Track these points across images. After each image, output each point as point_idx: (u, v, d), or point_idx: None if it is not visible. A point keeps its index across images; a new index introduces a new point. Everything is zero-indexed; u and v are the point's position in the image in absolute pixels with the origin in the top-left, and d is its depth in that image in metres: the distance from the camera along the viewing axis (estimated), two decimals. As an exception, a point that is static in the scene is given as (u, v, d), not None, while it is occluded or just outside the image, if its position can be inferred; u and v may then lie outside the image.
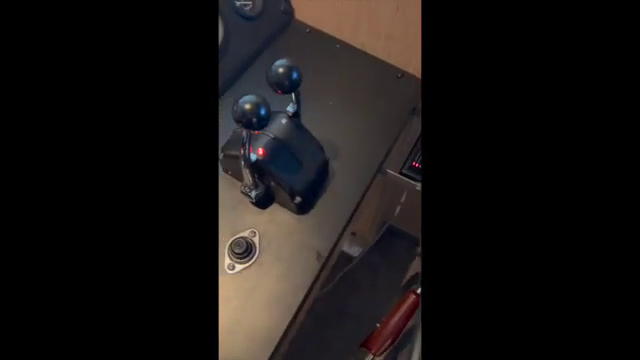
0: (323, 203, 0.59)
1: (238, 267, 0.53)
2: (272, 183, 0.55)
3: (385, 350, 0.69)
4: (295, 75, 0.48)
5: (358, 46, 0.74)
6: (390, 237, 1.07)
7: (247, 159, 0.50)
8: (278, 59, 0.49)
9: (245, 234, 0.55)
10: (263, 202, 0.57)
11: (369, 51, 0.74)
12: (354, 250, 1.15)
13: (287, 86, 0.49)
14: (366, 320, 1.01)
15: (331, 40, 0.75)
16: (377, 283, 1.19)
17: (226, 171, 0.59)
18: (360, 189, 0.60)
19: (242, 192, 0.56)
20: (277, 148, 0.53)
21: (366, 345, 0.69)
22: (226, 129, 0.57)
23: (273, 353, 0.49)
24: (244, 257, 0.53)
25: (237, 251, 0.52)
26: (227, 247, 0.53)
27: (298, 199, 0.55)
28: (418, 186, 0.72)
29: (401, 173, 0.73)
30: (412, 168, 0.73)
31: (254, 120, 0.44)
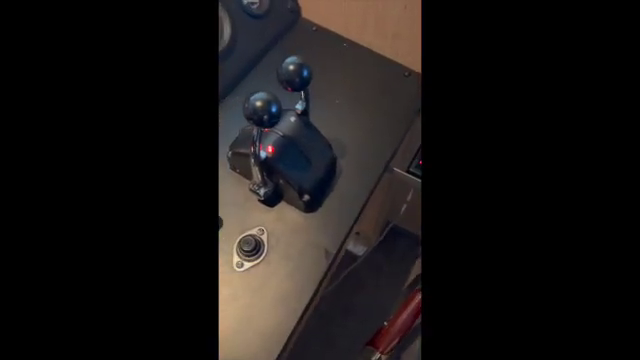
0: (331, 201, 0.58)
1: (246, 265, 0.53)
2: (281, 181, 0.55)
3: (392, 349, 0.69)
4: (306, 73, 0.48)
5: (365, 45, 0.74)
6: (394, 237, 1.07)
7: (257, 157, 0.50)
8: (286, 57, 0.49)
9: (253, 232, 0.55)
10: (271, 200, 0.57)
11: (376, 50, 0.74)
12: (358, 249, 1.15)
13: (297, 83, 0.49)
14: (370, 318, 1.01)
15: (338, 39, 0.75)
16: (381, 282, 1.19)
17: (234, 169, 0.59)
18: (367, 187, 0.60)
19: (250, 190, 0.56)
20: (286, 146, 0.53)
21: (373, 344, 0.69)
22: (234, 127, 0.57)
23: (282, 351, 0.49)
24: (252, 255, 0.53)
25: (246, 249, 0.52)
26: (236, 245, 0.53)
27: (306, 197, 0.55)
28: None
29: (408, 171, 0.73)
30: (419, 166, 0.73)
31: (265, 117, 0.44)
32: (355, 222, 0.59)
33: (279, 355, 0.49)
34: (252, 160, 0.51)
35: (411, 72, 0.72)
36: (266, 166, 0.53)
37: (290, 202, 0.57)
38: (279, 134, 0.53)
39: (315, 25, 0.76)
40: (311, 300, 0.53)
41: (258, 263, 0.53)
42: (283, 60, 0.49)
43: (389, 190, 0.89)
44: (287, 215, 0.57)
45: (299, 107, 0.55)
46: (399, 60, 0.73)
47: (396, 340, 0.71)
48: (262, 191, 0.55)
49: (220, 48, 0.64)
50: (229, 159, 0.58)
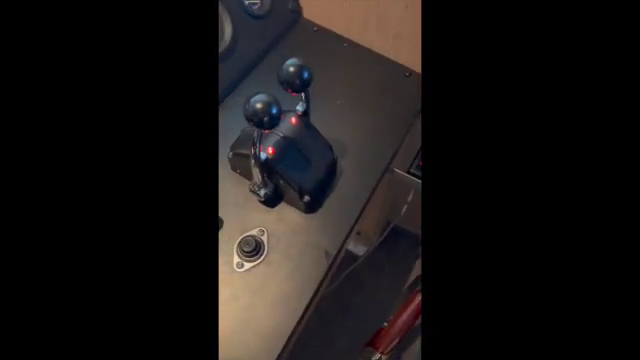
0: (331, 202, 0.58)
1: (247, 265, 0.53)
2: (281, 182, 0.55)
3: (392, 349, 0.69)
4: (306, 74, 0.48)
5: (366, 45, 0.74)
6: (395, 237, 1.07)
7: (257, 158, 0.50)
8: (286, 58, 0.49)
9: (254, 232, 0.55)
10: (272, 201, 0.57)
11: (377, 50, 0.74)
12: (359, 249, 1.15)
13: (298, 85, 0.49)
14: (370, 319, 1.01)
15: (339, 39, 0.75)
16: (381, 282, 1.19)
17: (234, 169, 0.59)
18: (368, 188, 0.60)
19: (251, 190, 0.56)
20: (287, 147, 0.53)
21: (373, 344, 0.69)
22: (234, 127, 0.57)
23: (282, 352, 0.49)
24: (253, 255, 0.53)
25: (246, 249, 0.53)
26: (236, 245, 0.53)
27: (307, 198, 0.55)
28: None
29: (409, 172, 0.73)
30: (420, 167, 0.73)
31: (265, 119, 0.44)
32: (355, 223, 0.59)
33: (279, 355, 0.49)
34: (252, 161, 0.51)
35: (412, 72, 0.71)
36: (266, 167, 0.53)
37: (290, 203, 0.57)
38: (279, 135, 0.53)
39: (316, 25, 0.76)
40: (311, 300, 0.53)
41: (258, 264, 0.53)
42: (284, 61, 0.49)
43: (390, 191, 0.89)
44: (287, 216, 0.57)
45: (300, 108, 0.55)
46: (400, 60, 0.73)
47: (396, 341, 0.71)
48: (262, 192, 0.55)
49: (221, 49, 0.64)
50: (230, 160, 0.58)
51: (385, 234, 0.91)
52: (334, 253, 0.55)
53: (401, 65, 0.72)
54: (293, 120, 0.55)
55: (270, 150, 0.52)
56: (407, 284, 1.11)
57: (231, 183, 0.58)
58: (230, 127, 0.57)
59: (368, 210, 0.62)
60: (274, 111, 0.44)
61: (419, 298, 0.72)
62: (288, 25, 0.74)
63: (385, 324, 0.74)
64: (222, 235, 0.54)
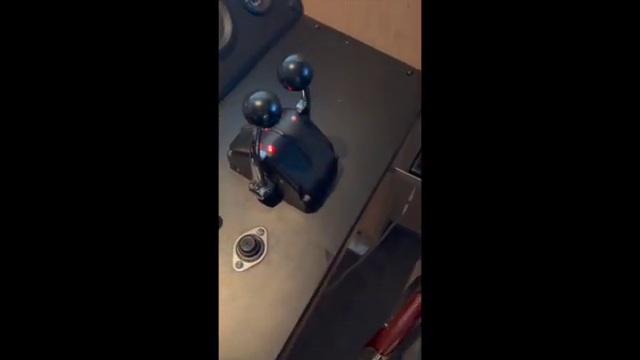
0: (332, 201, 0.58)
1: (246, 265, 0.53)
2: (281, 181, 0.54)
3: (392, 350, 0.69)
4: (306, 71, 0.48)
5: (368, 43, 0.73)
6: (396, 236, 1.07)
7: (257, 157, 0.50)
8: (287, 55, 0.49)
9: (253, 232, 0.54)
10: (272, 200, 0.56)
11: (379, 48, 0.73)
12: (360, 248, 1.15)
13: (298, 82, 0.48)
14: (371, 319, 1.01)
15: (340, 37, 0.74)
16: (382, 282, 1.19)
17: (234, 168, 0.59)
18: (369, 187, 0.60)
19: (250, 189, 0.55)
20: (287, 146, 0.53)
21: (374, 345, 0.69)
22: (234, 125, 0.56)
23: (281, 352, 0.49)
24: (252, 255, 0.53)
25: (245, 249, 0.52)
26: (235, 245, 0.53)
27: (307, 197, 0.54)
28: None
29: (410, 171, 0.72)
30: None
31: (265, 117, 0.44)
32: (356, 222, 0.58)
33: (278, 356, 0.49)
34: (252, 160, 0.50)
35: (414, 71, 0.71)
36: (266, 166, 0.52)
37: (290, 202, 0.57)
38: (279, 133, 0.53)
39: (317, 23, 0.75)
40: (311, 300, 0.52)
41: (258, 263, 0.53)
42: (284, 58, 0.49)
43: (391, 190, 0.88)
44: (287, 215, 0.56)
45: (300, 106, 0.55)
46: (402, 59, 0.72)
47: (397, 342, 0.71)
48: (262, 191, 0.54)
49: (221, 46, 0.64)
50: (229, 158, 0.58)
51: (386, 233, 0.91)
52: (335, 253, 0.55)
53: (403, 63, 0.72)
54: (293, 118, 0.54)
55: (270, 148, 0.52)
56: (408, 284, 1.11)
57: (231, 182, 0.58)
58: (230, 125, 0.56)
59: (369, 209, 0.61)
60: (274, 109, 0.44)
61: (420, 299, 0.71)
62: (289, 23, 0.74)
63: (386, 324, 0.73)
64: (221, 234, 0.54)
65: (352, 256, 1.07)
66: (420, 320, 0.74)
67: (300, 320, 0.51)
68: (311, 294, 0.52)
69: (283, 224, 0.56)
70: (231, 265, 0.52)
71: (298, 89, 0.50)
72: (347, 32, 0.74)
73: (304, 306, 0.51)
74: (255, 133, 0.47)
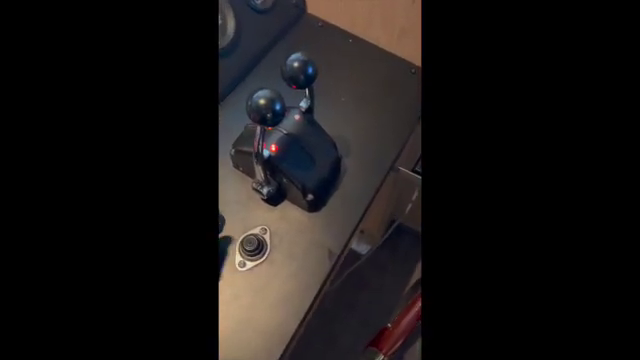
0: (335, 201, 0.58)
1: (249, 264, 0.52)
2: (284, 180, 0.54)
3: (395, 351, 0.68)
4: (310, 70, 0.47)
5: (372, 41, 0.73)
6: (399, 235, 1.06)
7: (260, 155, 0.49)
8: (290, 53, 0.48)
9: (256, 231, 0.54)
10: (274, 199, 0.56)
11: (383, 46, 0.73)
12: (362, 248, 1.14)
13: (302, 81, 0.48)
14: (374, 318, 1.00)
15: (344, 35, 0.73)
16: (385, 281, 1.18)
17: (237, 167, 0.58)
18: (372, 187, 0.59)
19: (253, 188, 0.55)
20: (290, 144, 0.52)
21: (377, 345, 0.69)
22: (237, 124, 0.56)
23: (284, 352, 0.48)
24: (255, 254, 0.52)
25: (248, 248, 0.52)
26: (238, 244, 0.53)
27: (310, 196, 0.54)
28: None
29: (413, 170, 0.72)
30: (425, 166, 0.72)
31: (268, 116, 0.43)
32: (360, 222, 0.58)
33: (281, 356, 0.48)
34: (255, 159, 0.50)
35: (418, 69, 0.70)
36: (269, 165, 0.52)
37: (293, 201, 0.56)
38: (283, 132, 0.52)
39: (320, 21, 0.74)
40: (314, 300, 0.52)
41: (260, 263, 0.53)
42: (288, 56, 0.48)
43: (394, 189, 0.88)
44: (290, 214, 0.56)
45: (303, 105, 0.54)
46: (406, 57, 0.71)
47: (400, 342, 0.70)
48: (265, 190, 0.54)
49: (224, 44, 0.63)
50: (232, 157, 0.57)
51: (389, 233, 0.91)
52: (338, 252, 0.54)
53: (407, 62, 0.71)
54: (297, 117, 0.54)
55: (273, 147, 0.51)
56: (411, 284, 1.10)
57: (234, 180, 0.58)
58: (233, 124, 0.56)
59: (372, 209, 0.61)
60: (277, 107, 0.43)
61: (423, 298, 0.71)
62: (292, 20, 0.73)
63: (389, 325, 0.73)
64: (224, 233, 0.54)
65: (355, 255, 1.07)
66: (423, 320, 0.73)
67: (302, 320, 0.50)
68: (314, 294, 0.52)
69: (286, 223, 0.55)
70: (234, 264, 0.52)
71: (302, 87, 0.50)
72: (351, 30, 0.74)
73: (307, 306, 0.51)
74: (258, 132, 0.47)
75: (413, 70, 0.70)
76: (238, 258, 0.52)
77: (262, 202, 0.56)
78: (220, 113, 0.61)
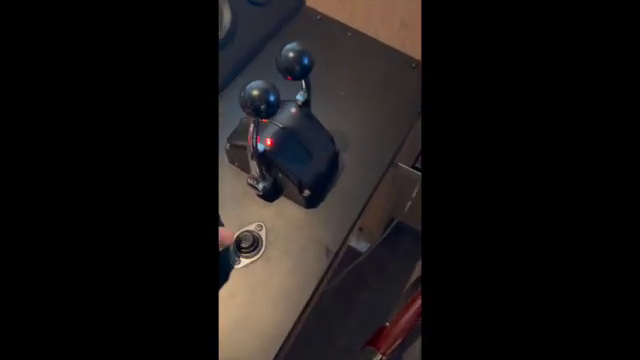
0: (332, 197, 0.56)
1: (244, 261, 0.51)
2: (280, 175, 0.53)
3: (394, 350, 0.67)
4: (306, 60, 0.46)
5: (371, 34, 0.72)
6: (398, 233, 1.05)
7: (255, 150, 0.48)
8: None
9: (251, 227, 0.53)
10: (270, 195, 0.55)
11: (382, 40, 0.71)
12: (361, 245, 1.13)
13: (298, 72, 0.47)
14: (372, 316, 0.99)
15: (343, 28, 0.72)
16: (384, 280, 1.17)
17: (232, 162, 0.57)
18: (371, 183, 0.58)
19: (248, 184, 0.54)
20: (286, 138, 0.51)
21: (375, 344, 0.67)
22: (233, 118, 0.55)
23: (279, 351, 0.47)
24: (250, 251, 0.51)
25: (243, 245, 0.51)
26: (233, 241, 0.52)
27: (307, 192, 0.53)
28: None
29: (413, 167, 0.70)
30: (425, 162, 0.71)
31: (262, 107, 0.42)
32: (358, 219, 0.57)
33: (277, 354, 0.47)
34: (249, 153, 0.49)
35: (418, 63, 0.69)
36: (264, 159, 0.51)
37: (290, 197, 0.55)
38: (278, 126, 0.51)
39: (319, 14, 0.73)
40: (311, 298, 0.51)
41: (256, 260, 0.52)
42: (283, 47, 0.47)
43: (394, 186, 0.86)
44: (287, 210, 0.55)
45: (300, 98, 0.53)
46: (406, 51, 0.70)
47: (399, 341, 0.69)
48: (260, 185, 0.53)
49: (220, 37, 0.62)
50: (227, 151, 0.56)
51: (388, 230, 0.89)
52: (335, 250, 0.53)
53: (407, 55, 0.70)
54: (293, 110, 0.53)
55: (268, 141, 0.50)
56: (410, 282, 1.09)
57: (229, 176, 0.56)
58: (229, 118, 0.55)
59: (371, 206, 0.60)
60: (271, 98, 0.42)
61: (423, 297, 0.70)
62: (290, 13, 0.72)
63: (387, 323, 0.72)
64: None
65: (353, 253, 1.06)
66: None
67: (299, 318, 0.49)
68: (311, 292, 0.50)
69: (282, 220, 0.54)
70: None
71: (298, 79, 0.49)
72: (350, 23, 0.72)
73: (303, 304, 0.50)
74: (253, 125, 0.45)
75: (413, 64, 0.69)
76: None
77: (257, 198, 0.55)
78: (215, 107, 0.60)
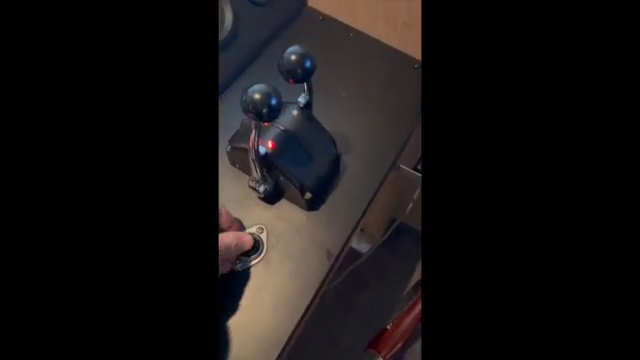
0: (334, 199, 0.56)
1: (245, 264, 0.51)
2: (281, 178, 0.52)
3: (395, 354, 0.67)
4: (308, 63, 0.46)
5: (373, 35, 0.71)
6: (400, 235, 1.05)
7: (256, 152, 0.48)
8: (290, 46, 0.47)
9: (252, 230, 0.53)
10: (271, 197, 0.55)
11: (385, 41, 0.71)
12: (363, 247, 1.13)
13: (300, 75, 0.46)
14: (373, 318, 0.99)
15: (345, 28, 0.72)
16: (385, 281, 1.17)
17: (233, 164, 0.57)
18: (373, 186, 0.58)
19: (250, 186, 0.53)
20: (287, 141, 0.51)
21: (376, 347, 0.67)
22: (234, 120, 0.55)
23: (280, 354, 0.47)
24: (251, 254, 0.51)
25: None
26: (233, 243, 0.51)
27: (308, 195, 0.52)
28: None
29: (415, 169, 0.70)
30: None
31: (264, 111, 0.42)
32: (359, 221, 0.56)
33: (277, 358, 0.47)
34: (251, 155, 0.49)
35: (420, 64, 0.69)
36: (266, 162, 0.50)
37: (291, 200, 0.55)
38: (280, 128, 0.51)
39: (321, 14, 0.73)
40: (312, 302, 0.51)
41: (257, 263, 0.51)
42: (285, 49, 0.47)
43: (395, 188, 0.86)
44: (288, 213, 0.55)
45: (301, 100, 0.53)
46: (408, 51, 0.70)
47: (400, 345, 0.69)
48: (262, 188, 0.52)
49: (221, 38, 0.62)
50: (228, 154, 0.56)
51: (390, 232, 0.89)
52: (336, 253, 0.53)
53: (409, 56, 0.69)
54: (294, 113, 0.52)
55: (270, 144, 0.50)
56: (411, 284, 1.09)
57: (230, 178, 0.56)
58: (230, 120, 0.54)
59: (372, 208, 0.59)
60: (273, 102, 0.42)
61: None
62: (292, 14, 0.72)
63: (388, 326, 0.71)
64: None
65: (355, 254, 1.06)
66: (424, 322, 0.72)
67: (300, 322, 0.49)
68: (312, 295, 0.50)
69: (283, 222, 0.54)
70: (229, 264, 0.51)
71: (300, 82, 0.48)
72: (352, 24, 0.72)
73: (304, 307, 0.49)
74: (254, 128, 0.45)
75: (416, 65, 0.68)
76: (233, 258, 0.51)
77: (259, 200, 0.55)
78: (217, 108, 0.60)
